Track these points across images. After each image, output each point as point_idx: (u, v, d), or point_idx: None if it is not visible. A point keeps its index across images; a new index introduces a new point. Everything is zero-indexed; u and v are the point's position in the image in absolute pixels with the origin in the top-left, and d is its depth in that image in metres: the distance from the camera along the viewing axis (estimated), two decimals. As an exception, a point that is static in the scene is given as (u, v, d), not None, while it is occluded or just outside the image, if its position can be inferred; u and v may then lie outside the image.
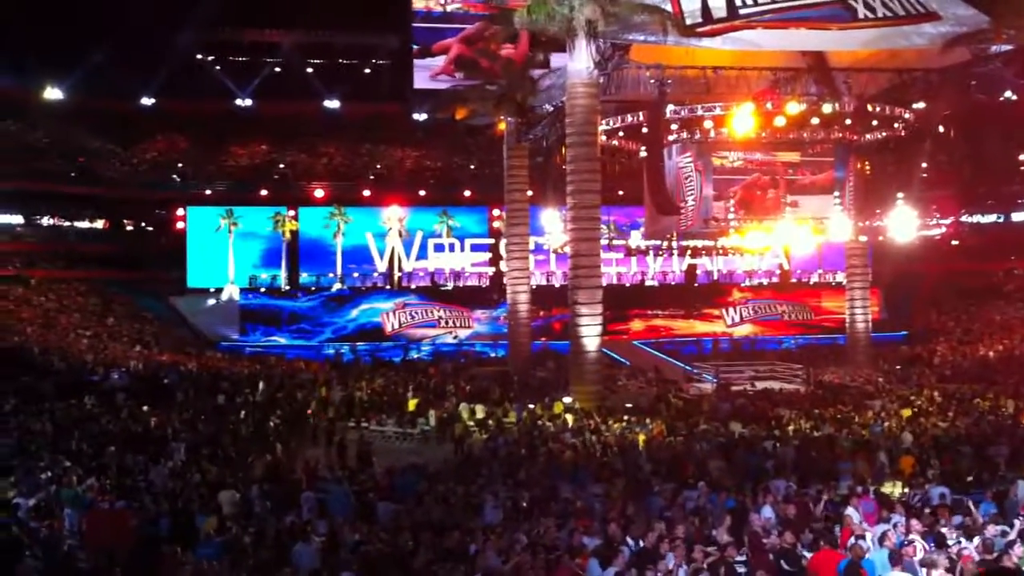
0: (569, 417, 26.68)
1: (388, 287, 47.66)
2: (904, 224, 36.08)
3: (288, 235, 48.81)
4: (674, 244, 38.86)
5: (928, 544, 12.16)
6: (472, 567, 12.12)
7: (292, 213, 48.94)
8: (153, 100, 51.91)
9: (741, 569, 11.97)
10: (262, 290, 46.55)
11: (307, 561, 12.75)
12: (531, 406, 28.60)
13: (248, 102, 53.05)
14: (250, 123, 52.49)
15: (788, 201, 35.68)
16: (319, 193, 49.92)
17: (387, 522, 15.05)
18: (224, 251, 47.80)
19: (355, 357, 41.87)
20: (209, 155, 52.56)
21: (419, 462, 20.60)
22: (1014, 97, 37.44)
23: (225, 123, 52.14)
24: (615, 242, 38.67)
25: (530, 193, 39.21)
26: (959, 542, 12.33)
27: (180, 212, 48.94)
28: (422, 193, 50.45)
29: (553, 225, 38.20)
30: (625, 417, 26.95)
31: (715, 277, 49.03)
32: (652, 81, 31.97)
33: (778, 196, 35.74)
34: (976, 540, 12.18)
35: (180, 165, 52.17)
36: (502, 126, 38.66)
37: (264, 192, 49.62)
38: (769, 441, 22.62)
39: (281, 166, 52.61)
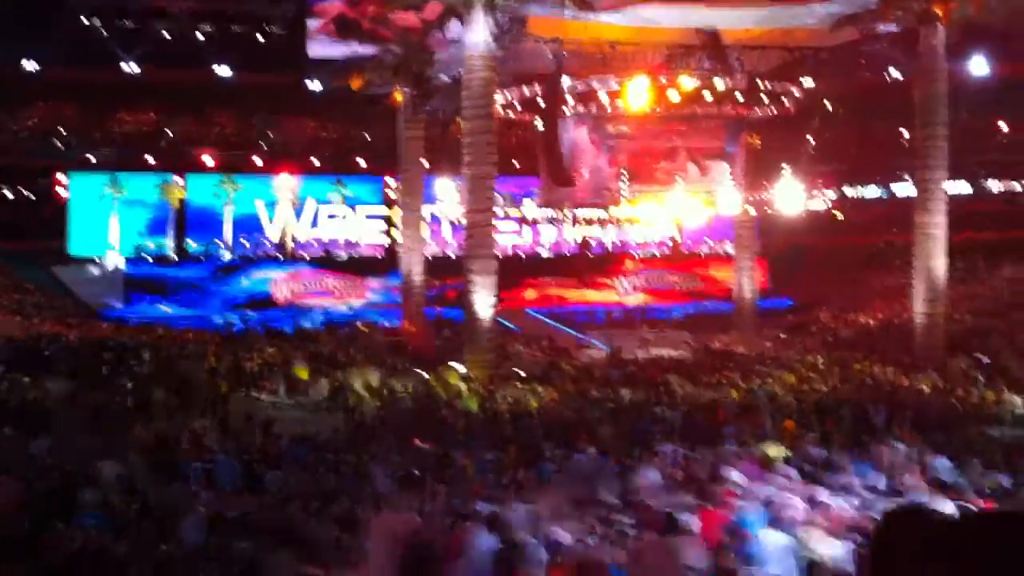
0: (463, 385, 26.77)
1: (279, 256, 46.97)
2: (791, 198, 37.00)
3: (176, 203, 47.63)
4: (568, 215, 39.21)
5: (807, 504, 12.57)
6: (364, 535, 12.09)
7: (180, 181, 47.75)
8: (37, 65, 49.91)
9: (630, 531, 12.17)
10: (148, 259, 45.40)
11: (193, 532, 12.56)
12: (424, 375, 28.60)
13: (137, 68, 51.41)
14: (138, 90, 50.86)
15: (679, 174, 36.28)
16: (209, 161, 48.79)
17: (275, 491, 14.90)
18: (108, 219, 46.44)
19: (245, 327, 41.17)
20: (95, 122, 50.86)
21: (310, 431, 20.46)
22: (899, 76, 38.60)
23: (112, 89, 50.40)
24: (510, 212, 38.72)
25: (426, 163, 39.03)
26: (838, 502, 12.79)
27: (63, 179, 47.30)
28: (315, 162, 49.74)
29: (448, 195, 38.09)
30: (518, 384, 27.18)
31: (608, 248, 49.61)
32: (549, 54, 32.06)
33: (669, 168, 36.32)
34: (855, 500, 12.66)
35: (64, 132, 50.38)
36: (399, 96, 38.31)
37: (151, 159, 48.29)
38: (658, 406, 23.09)
39: (170, 134, 51.24)
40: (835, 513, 12.23)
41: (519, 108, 35.20)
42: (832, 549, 9.87)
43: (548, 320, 41.97)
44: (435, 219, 42.88)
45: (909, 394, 24.08)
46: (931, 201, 30.47)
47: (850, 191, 51.09)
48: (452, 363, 29.65)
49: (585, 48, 32.16)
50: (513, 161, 41.80)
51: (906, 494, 12.33)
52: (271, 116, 52.79)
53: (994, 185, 48.74)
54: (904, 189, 42.41)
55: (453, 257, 42.24)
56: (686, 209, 38.03)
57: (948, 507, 11.54)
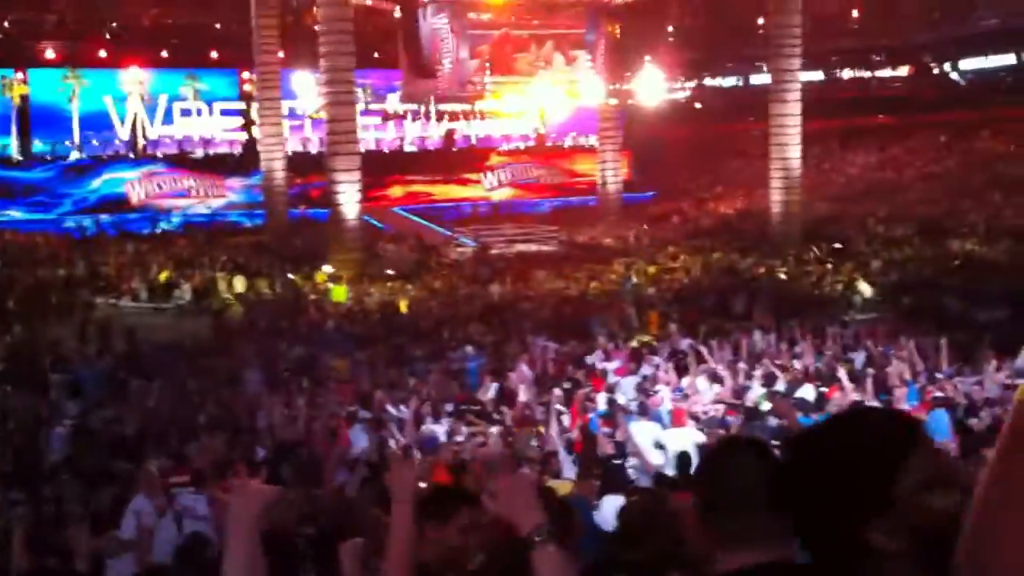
0: (331, 285, 26.51)
1: (132, 156, 45.02)
2: (652, 88, 37.23)
3: (18, 100, 44.95)
4: (432, 109, 38.67)
5: (674, 393, 12.97)
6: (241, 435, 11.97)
7: (21, 76, 45.00)
8: None
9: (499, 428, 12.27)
10: (-9, 160, 43.01)
11: (59, 445, 12.24)
12: (290, 275, 28.18)
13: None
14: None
15: (540, 63, 36.04)
16: (50, 54, 46.03)
17: (140, 399, 14.57)
18: (-57, 118, 43.66)
19: (99, 230, 39.60)
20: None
21: (175, 337, 20.02)
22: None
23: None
24: (372, 107, 37.87)
25: (282, 55, 37.74)
26: (704, 389, 13.23)
27: None
28: (165, 54, 47.43)
29: (307, 89, 37.04)
30: (388, 284, 27.08)
31: (473, 142, 49.27)
32: (406, -62, 31.16)
33: (533, 59, 36.02)
34: (721, 387, 13.11)
35: None
36: (248, -19, 36.73)
37: (-13, 52, 45.31)
38: (526, 302, 23.35)
39: (5, 24, 48.01)
40: (700, 401, 12.68)
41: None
42: (697, 437, 10.19)
43: (415, 218, 41.65)
44: (294, 114, 41.70)
45: (767, 282, 24.90)
46: (785, 91, 31.12)
47: (709, 80, 51.70)
48: (317, 263, 29.27)
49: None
50: (375, 54, 40.77)
51: (770, 381, 12.81)
52: (113, 2, 49.91)
53: (846, 73, 50.03)
54: (761, 78, 43.16)
55: (315, 153, 41.27)
56: (550, 101, 37.92)
57: (810, 392, 12.09)
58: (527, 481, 2.89)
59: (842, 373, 12.79)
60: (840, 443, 1.83)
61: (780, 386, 12.59)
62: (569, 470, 9.45)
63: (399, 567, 3.07)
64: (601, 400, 12.69)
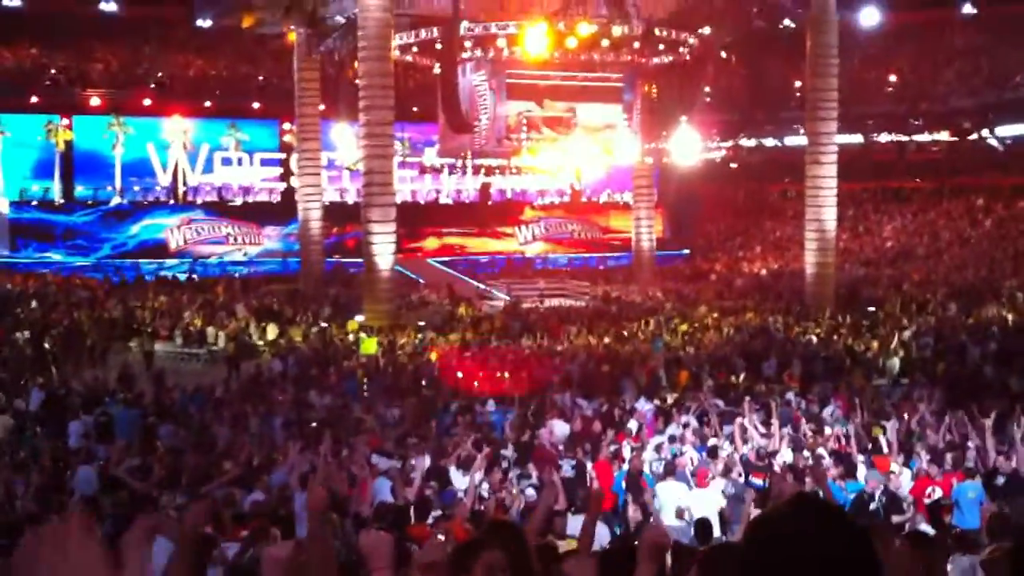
0: (363, 336, 26.59)
1: (172, 202, 45.70)
2: (687, 147, 37.34)
3: (62, 145, 45.79)
4: (468, 162, 39.02)
5: (700, 454, 12.86)
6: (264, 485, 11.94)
7: (66, 122, 45.89)
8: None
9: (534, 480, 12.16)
10: (34, 203, 43.74)
11: (87, 484, 12.29)
12: (324, 324, 28.33)
13: (15, 1, 48.98)
14: (18, 23, 48.51)
15: (580, 122, 36.29)
16: (95, 101, 46.94)
17: (169, 444, 14.63)
18: (-9, 161, 44.54)
19: (137, 274, 40.10)
20: (-28, 58, 48.45)
21: (206, 383, 20.13)
22: (792, 25, 39.13)
23: (-9, 24, 48.00)
24: (409, 159, 38.23)
25: (322, 107, 38.28)
26: (731, 451, 13.10)
27: (-61, 119, 45.08)
28: (208, 104, 48.23)
29: (345, 141, 37.49)
30: (419, 336, 27.12)
31: (508, 196, 49.56)
32: (447, -4, 31.63)
33: (570, 117, 36.32)
34: (748, 448, 12.98)
35: (-62, 68, 47.86)
36: (292, 36, 37.38)
37: (34, 99, 46.27)
38: (556, 356, 23.29)
39: (53, 71, 49.07)
40: (727, 462, 12.54)
41: (417, 51, 34.73)
42: (721, 502, 10.10)
43: (449, 269, 41.85)
44: (333, 165, 42.21)
45: (800, 344, 24.69)
46: (822, 153, 31.12)
47: (745, 141, 51.78)
48: (351, 313, 29.42)
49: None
50: (413, 108, 41.26)
51: (799, 445, 12.70)
52: (158, 53, 50.92)
53: (883, 136, 49.92)
54: (797, 139, 43.21)
55: (351, 204, 41.66)
56: (586, 158, 38.15)
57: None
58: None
59: (883, 440, 12.66)
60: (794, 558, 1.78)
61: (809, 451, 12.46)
62: (573, 527, 9.27)
63: None
64: (629, 459, 12.62)
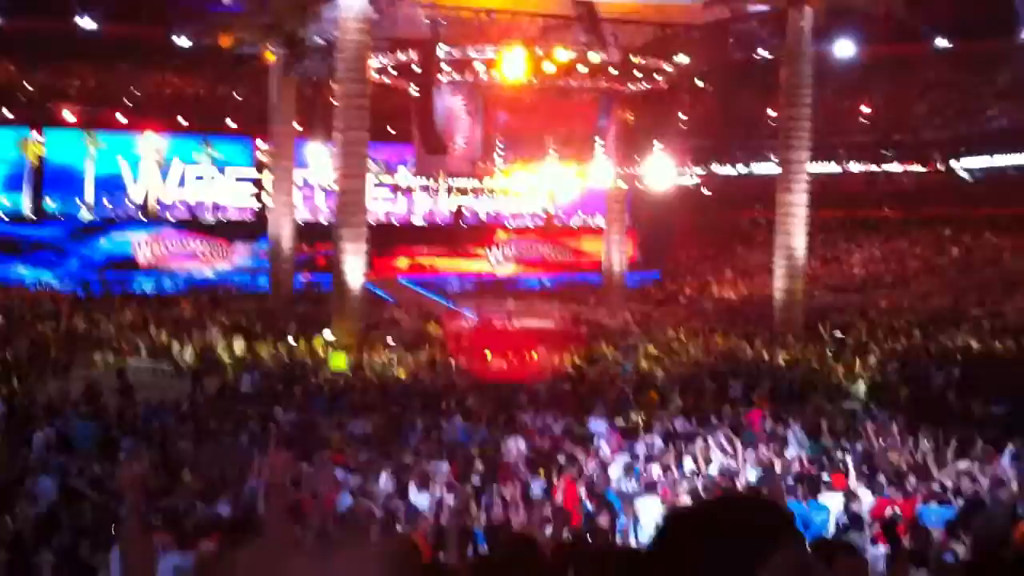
0: (330, 352, 26.51)
1: (142, 217, 45.47)
2: (661, 173, 37.57)
3: (34, 159, 45.48)
4: (442, 184, 39.13)
5: (663, 473, 12.89)
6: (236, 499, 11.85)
7: (39, 136, 45.63)
8: None
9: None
10: (3, 217, 43.39)
11: (46, 494, 12.19)
12: (291, 340, 28.21)
13: (-6, 18, 48.61)
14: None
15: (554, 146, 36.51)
16: (69, 116, 46.70)
17: (130, 457, 14.49)
18: (-40, 174, 44.18)
19: (104, 288, 39.80)
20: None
21: (170, 397, 19.98)
22: (767, 55, 39.56)
23: (-33, 41, 47.66)
24: (383, 179, 38.22)
25: (298, 127, 38.27)
26: (696, 470, 13.15)
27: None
28: (181, 120, 48.12)
29: (320, 160, 37.49)
30: (387, 354, 27.06)
31: (481, 218, 49.68)
32: (426, 20, 31.73)
33: (544, 141, 36.53)
34: (713, 468, 13.03)
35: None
36: (270, 56, 37.37)
37: (8, 114, 45.97)
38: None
39: (28, 87, 48.78)
40: (691, 481, 12.59)
41: (394, 73, 34.81)
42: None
43: (419, 289, 41.82)
44: (307, 184, 42.17)
45: (767, 367, 24.84)
46: (793, 181, 31.36)
47: (717, 167, 52.17)
48: (319, 330, 29.29)
49: (462, 15, 31.94)
50: (388, 128, 41.31)
51: (764, 465, 12.75)
52: (134, 70, 50.78)
53: (855, 166, 50.44)
54: (769, 167, 43.58)
55: (325, 223, 41.61)
56: (559, 181, 38.33)
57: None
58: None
59: (847, 460, 12.76)
60: (705, 532, 1.76)
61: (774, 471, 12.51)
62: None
63: None
64: (594, 477, 12.63)
